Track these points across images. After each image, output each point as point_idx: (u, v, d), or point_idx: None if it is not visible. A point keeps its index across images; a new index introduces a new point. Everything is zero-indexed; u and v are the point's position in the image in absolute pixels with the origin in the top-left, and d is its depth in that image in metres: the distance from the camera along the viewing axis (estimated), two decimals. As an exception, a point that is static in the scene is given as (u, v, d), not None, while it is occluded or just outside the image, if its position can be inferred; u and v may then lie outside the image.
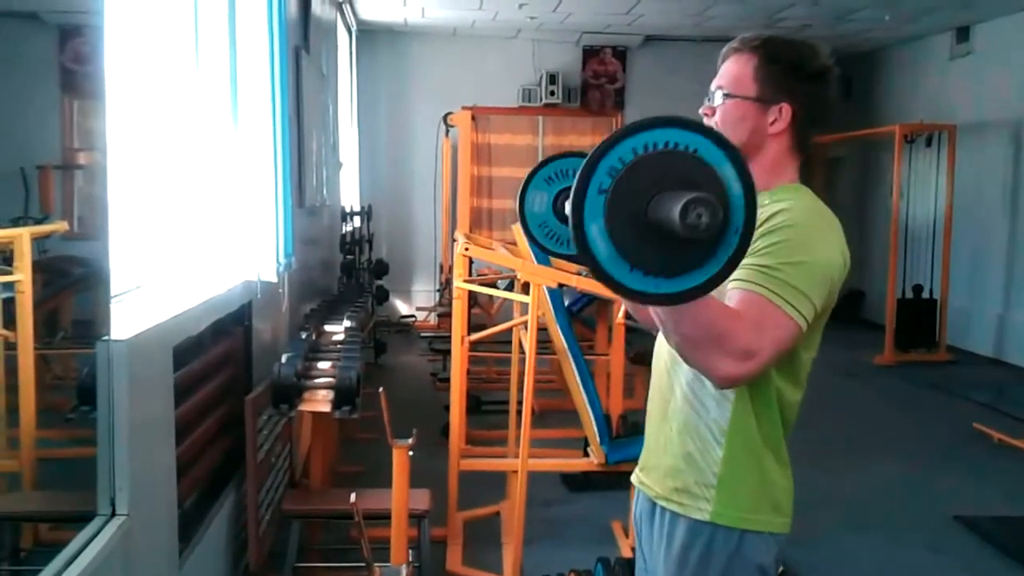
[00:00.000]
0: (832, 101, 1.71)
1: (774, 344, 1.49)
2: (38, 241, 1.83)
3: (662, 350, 1.79)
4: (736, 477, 1.66)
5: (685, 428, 1.71)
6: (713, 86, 1.73)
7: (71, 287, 2.11)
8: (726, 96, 1.69)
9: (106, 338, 1.91)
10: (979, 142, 8.84)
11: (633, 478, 1.88)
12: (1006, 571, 3.98)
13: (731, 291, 1.54)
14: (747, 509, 1.66)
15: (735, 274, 1.52)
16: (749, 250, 1.48)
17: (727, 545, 1.66)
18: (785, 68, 1.66)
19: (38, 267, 1.81)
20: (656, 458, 1.79)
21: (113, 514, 1.90)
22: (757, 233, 1.54)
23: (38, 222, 1.82)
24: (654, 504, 1.79)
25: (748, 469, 1.67)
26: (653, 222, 1.15)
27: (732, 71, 1.70)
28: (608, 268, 1.18)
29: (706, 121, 1.71)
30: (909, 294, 8.68)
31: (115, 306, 2.13)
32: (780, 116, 1.66)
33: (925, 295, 8.65)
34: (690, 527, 1.69)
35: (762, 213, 1.56)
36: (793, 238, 1.56)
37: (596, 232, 1.17)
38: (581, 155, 2.04)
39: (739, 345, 1.44)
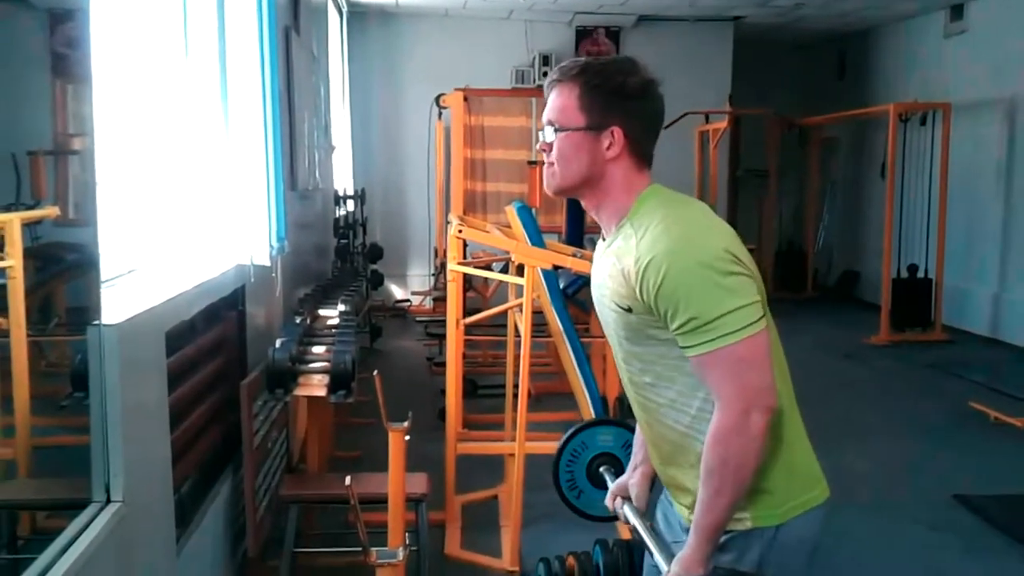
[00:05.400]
0: (660, 111, 1.70)
1: (759, 368, 1.52)
2: (30, 228, 1.80)
3: (629, 390, 1.77)
4: (763, 479, 1.60)
5: (690, 456, 1.65)
6: (543, 121, 1.71)
7: (64, 273, 2.09)
8: (557, 131, 1.67)
9: (97, 323, 1.89)
10: (974, 120, 8.81)
11: (663, 498, 1.86)
12: (1005, 548, 3.99)
13: (693, 361, 1.55)
14: (783, 502, 1.63)
15: (680, 343, 1.55)
16: (663, 314, 1.55)
17: (763, 537, 1.63)
18: (607, 92, 1.64)
19: (30, 253, 1.79)
20: (677, 484, 1.74)
21: (108, 501, 1.89)
22: (651, 294, 1.54)
23: (29, 208, 1.79)
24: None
25: (770, 467, 1.61)
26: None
27: (558, 104, 1.68)
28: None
29: (543, 158, 1.71)
30: (904, 274, 8.67)
31: (107, 291, 2.11)
32: (614, 140, 1.65)
33: (920, 275, 8.64)
34: (729, 538, 1.63)
35: (637, 264, 1.55)
36: (682, 273, 1.52)
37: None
38: (605, 423, 2.57)
39: (744, 409, 1.49)
